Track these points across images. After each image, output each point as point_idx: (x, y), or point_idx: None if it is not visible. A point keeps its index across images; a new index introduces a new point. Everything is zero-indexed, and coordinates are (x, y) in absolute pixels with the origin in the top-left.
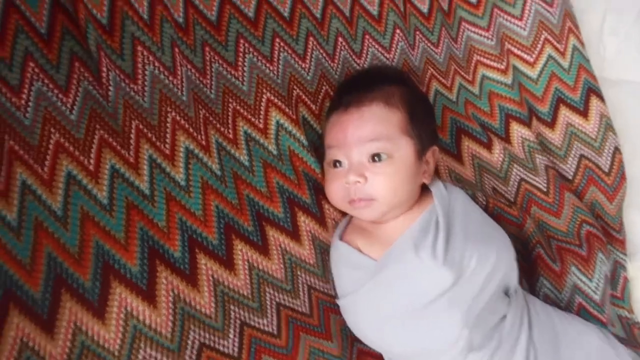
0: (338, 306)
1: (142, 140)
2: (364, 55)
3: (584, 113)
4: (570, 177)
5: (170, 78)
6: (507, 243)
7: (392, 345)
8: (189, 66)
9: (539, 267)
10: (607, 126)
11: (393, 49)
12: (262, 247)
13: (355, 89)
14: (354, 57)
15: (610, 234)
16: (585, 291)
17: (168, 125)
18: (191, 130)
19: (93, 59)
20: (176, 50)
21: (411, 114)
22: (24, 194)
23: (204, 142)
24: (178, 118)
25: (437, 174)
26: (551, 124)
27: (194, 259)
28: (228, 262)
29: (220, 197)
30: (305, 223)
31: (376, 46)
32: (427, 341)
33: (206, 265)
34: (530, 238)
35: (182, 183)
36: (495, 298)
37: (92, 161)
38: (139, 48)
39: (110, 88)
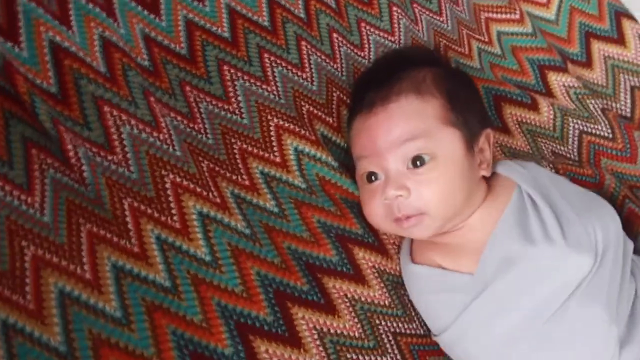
0: (435, 345)
1: (143, 220)
2: (366, 45)
3: (620, 40)
4: (629, 114)
5: (155, 134)
6: (612, 209)
7: None
8: (172, 114)
9: (636, 225)
10: None
11: (396, 30)
12: (326, 305)
13: (376, 82)
14: (355, 50)
15: None
16: None
17: (168, 192)
18: (198, 189)
19: (52, 139)
20: (151, 99)
21: (450, 98)
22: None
23: (217, 200)
24: (178, 180)
25: None
26: (587, 63)
27: (249, 349)
28: (292, 339)
29: (258, 261)
30: (365, 259)
31: (376, 32)
32: (569, 353)
33: (267, 352)
34: (615, 195)
35: (207, 258)
36: (627, 277)
37: (86, 267)
38: (106, 108)
39: (84, 168)
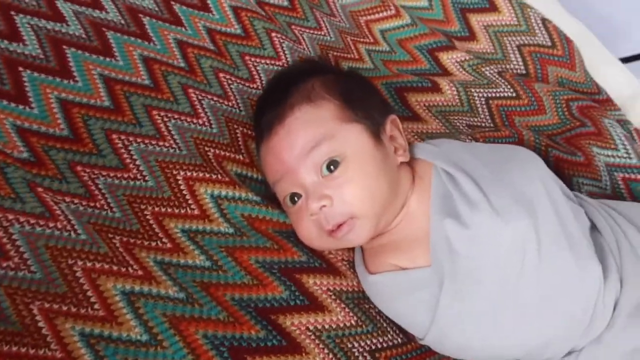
0: (416, 350)
1: (59, 320)
2: (256, 76)
3: (492, 8)
4: (524, 71)
5: (51, 224)
6: (530, 152)
7: (525, 339)
8: (67, 199)
9: (565, 169)
10: (521, 5)
11: (281, 54)
12: (290, 346)
13: (270, 105)
14: (247, 84)
15: (595, 100)
16: (619, 163)
17: (81, 280)
18: (115, 268)
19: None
20: (39, 190)
21: (344, 98)
22: None
23: (140, 272)
24: (89, 264)
25: None
26: (471, 37)
27: None
28: None
29: (201, 322)
30: (317, 285)
31: (262, 61)
32: (560, 305)
33: None
34: (537, 147)
35: (144, 338)
36: (571, 209)
37: None
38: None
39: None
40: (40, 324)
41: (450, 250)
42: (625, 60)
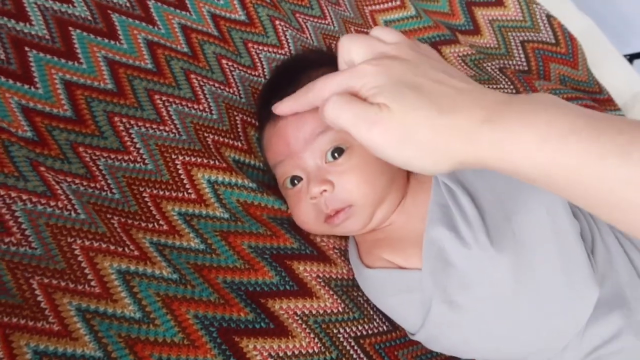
0: (401, 339)
1: (57, 295)
2: (259, 63)
3: (498, 2)
4: (526, 68)
5: (52, 203)
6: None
7: (513, 349)
8: (68, 179)
9: None
10: (528, 0)
11: (284, 42)
12: (278, 329)
13: (278, 89)
14: (249, 71)
15: (595, 99)
16: None
17: (80, 258)
18: (112, 247)
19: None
20: (41, 169)
21: None
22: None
23: (136, 253)
24: (87, 243)
25: None
26: (476, 31)
27: None
28: None
29: (193, 303)
30: (307, 271)
31: (265, 48)
32: (550, 325)
33: None
34: None
35: (137, 315)
36: (574, 231)
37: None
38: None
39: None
40: (39, 298)
41: (442, 259)
42: (637, 55)
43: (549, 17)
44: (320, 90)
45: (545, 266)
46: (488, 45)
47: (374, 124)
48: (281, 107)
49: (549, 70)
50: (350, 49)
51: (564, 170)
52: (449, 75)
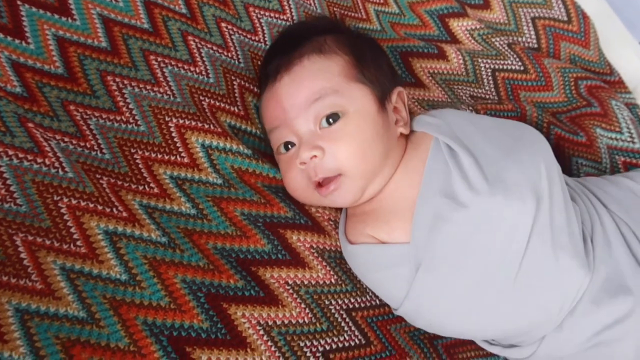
0: (393, 315)
1: (41, 253)
2: (259, 28)
3: None
4: (536, 45)
5: (39, 160)
6: (537, 133)
7: (496, 325)
8: (57, 136)
9: (565, 148)
10: None
11: (286, 8)
12: (267, 297)
13: (280, 52)
14: (249, 36)
15: (605, 81)
16: (622, 147)
17: (66, 217)
18: (99, 207)
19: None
20: (29, 125)
21: (357, 56)
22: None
23: (124, 214)
24: (74, 202)
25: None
26: (486, 5)
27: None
28: (235, 341)
29: (181, 267)
30: (301, 241)
31: (267, 14)
32: (537, 297)
33: None
34: (539, 124)
35: (123, 277)
36: (564, 201)
37: None
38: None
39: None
40: (23, 255)
41: (433, 228)
42: None
43: None
44: None
45: (541, 228)
46: (497, 21)
47: None
48: None
49: (559, 49)
50: None
51: None
52: None
